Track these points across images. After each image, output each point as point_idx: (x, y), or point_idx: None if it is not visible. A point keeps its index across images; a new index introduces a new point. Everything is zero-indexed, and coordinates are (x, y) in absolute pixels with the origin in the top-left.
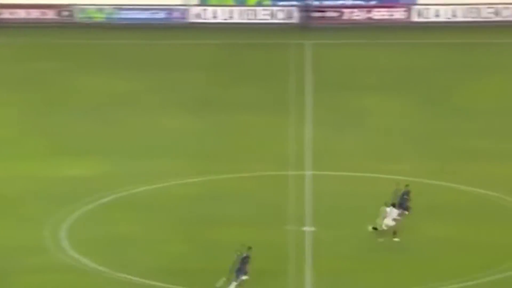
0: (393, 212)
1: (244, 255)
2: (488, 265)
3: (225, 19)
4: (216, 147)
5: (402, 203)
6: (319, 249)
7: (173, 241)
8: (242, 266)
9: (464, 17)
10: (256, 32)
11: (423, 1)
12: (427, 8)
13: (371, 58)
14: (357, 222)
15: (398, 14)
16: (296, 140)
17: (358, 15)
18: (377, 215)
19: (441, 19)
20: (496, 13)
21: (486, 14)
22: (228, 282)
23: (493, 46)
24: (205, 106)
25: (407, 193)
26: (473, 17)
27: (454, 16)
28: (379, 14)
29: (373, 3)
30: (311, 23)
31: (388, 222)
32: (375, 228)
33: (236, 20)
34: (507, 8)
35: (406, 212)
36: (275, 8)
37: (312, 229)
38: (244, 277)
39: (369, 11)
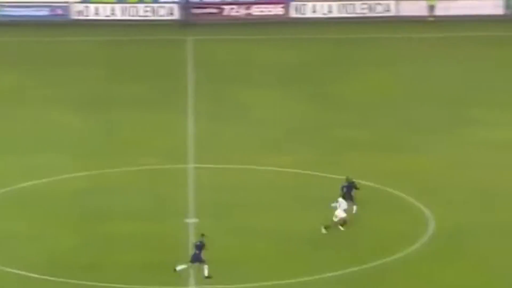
0: (343, 204)
1: (198, 243)
2: (378, 250)
3: (107, 16)
4: (103, 142)
5: (348, 195)
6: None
7: (62, 236)
8: (198, 254)
9: (340, 13)
10: (138, 29)
11: None
12: (304, 4)
13: (251, 53)
14: (239, 213)
15: (276, 10)
16: (180, 134)
17: (238, 11)
18: (259, 207)
19: (318, 15)
20: (370, 9)
21: (361, 10)
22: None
23: (367, 41)
24: (90, 102)
25: (351, 184)
26: (348, 13)
27: (330, 12)
28: (258, 10)
29: None
30: (192, 20)
31: (340, 213)
32: (327, 228)
33: (118, 17)
34: (380, 4)
35: (355, 206)
36: (156, 5)
37: (195, 220)
38: (205, 266)
39: (248, 8)
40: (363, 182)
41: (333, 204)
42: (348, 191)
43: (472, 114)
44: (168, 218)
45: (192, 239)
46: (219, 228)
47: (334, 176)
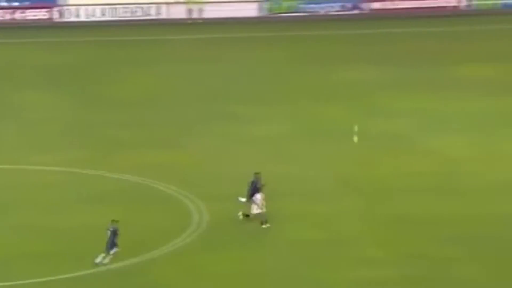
0: (258, 198)
1: (111, 229)
2: (144, 244)
3: None
4: None
5: (255, 191)
6: None
7: None
8: (112, 239)
9: (112, 16)
10: None
11: (75, 1)
12: (77, 8)
13: (22, 56)
14: (14, 212)
15: (47, 14)
16: None
17: (6, 16)
18: (33, 205)
19: (91, 18)
20: (143, 12)
21: (133, 13)
22: (105, 256)
23: (139, 43)
24: None
25: (257, 180)
26: (120, 16)
27: (103, 15)
28: (28, 14)
29: (27, 4)
30: None
31: (256, 208)
32: (246, 215)
33: None
34: (152, 7)
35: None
36: None
37: None
38: (115, 249)
39: (16, 12)
40: (130, 177)
41: (242, 199)
42: (257, 186)
43: (233, 110)
44: None
45: None
46: None
47: (103, 173)
